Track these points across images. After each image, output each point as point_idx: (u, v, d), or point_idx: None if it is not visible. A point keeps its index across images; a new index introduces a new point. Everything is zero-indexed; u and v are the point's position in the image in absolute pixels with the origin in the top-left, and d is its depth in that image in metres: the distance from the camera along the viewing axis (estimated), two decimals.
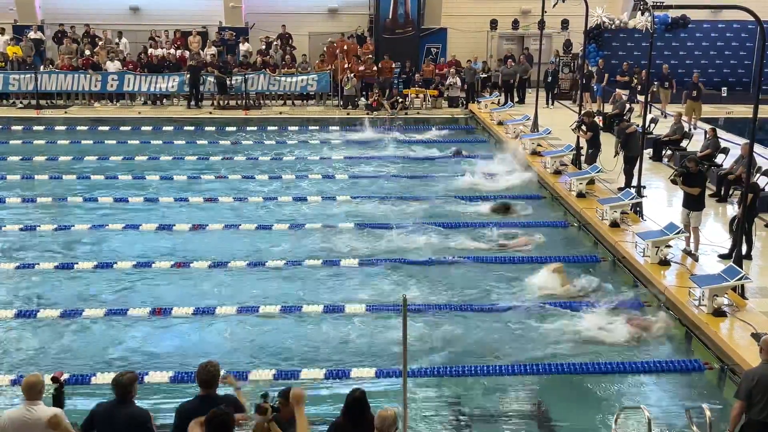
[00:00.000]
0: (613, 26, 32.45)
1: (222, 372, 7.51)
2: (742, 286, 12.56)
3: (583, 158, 20.66)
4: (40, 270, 14.50)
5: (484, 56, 33.65)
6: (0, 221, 17.20)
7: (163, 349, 11.73)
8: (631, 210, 16.77)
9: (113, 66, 30.00)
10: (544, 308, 12.97)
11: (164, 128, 26.96)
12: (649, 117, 19.98)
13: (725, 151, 20.14)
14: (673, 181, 15.30)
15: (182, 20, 32.82)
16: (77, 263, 14.76)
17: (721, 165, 19.50)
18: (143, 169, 21.68)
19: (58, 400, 7.44)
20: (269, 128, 27.16)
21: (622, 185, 18.33)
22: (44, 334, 12.07)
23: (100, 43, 31.12)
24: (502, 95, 30.68)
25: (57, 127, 27.01)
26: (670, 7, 16.89)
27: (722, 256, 14.39)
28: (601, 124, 23.01)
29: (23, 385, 7.17)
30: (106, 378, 9.94)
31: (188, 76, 29.41)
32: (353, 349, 11.79)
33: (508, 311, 12.92)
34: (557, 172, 20.25)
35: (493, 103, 29.58)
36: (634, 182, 17.30)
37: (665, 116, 26.05)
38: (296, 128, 27.32)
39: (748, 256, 14.14)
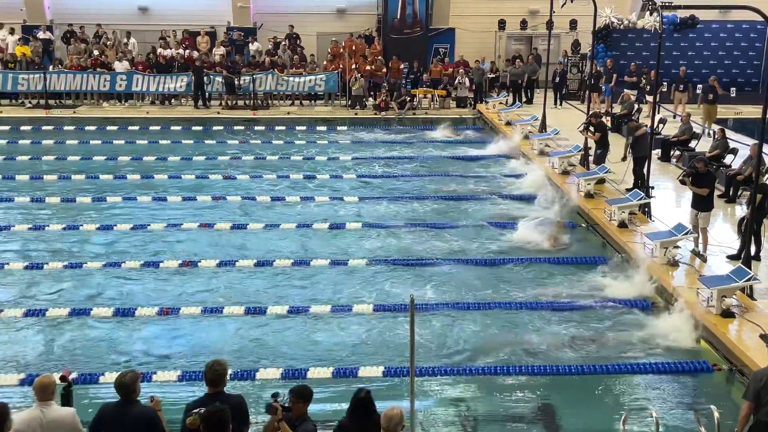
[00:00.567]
0: (622, 26, 32.38)
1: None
2: (751, 287, 12.52)
3: (591, 158, 20.62)
4: (49, 269, 14.55)
5: (492, 56, 33.61)
6: (9, 221, 17.26)
7: (171, 349, 11.76)
8: (639, 210, 16.73)
9: (122, 66, 30.08)
10: (555, 308, 13.03)
11: (172, 128, 27.03)
12: (657, 117, 19.93)
13: (734, 151, 20.07)
14: (682, 182, 15.24)
15: (190, 20, 32.87)
16: (86, 263, 14.80)
17: (730, 166, 19.44)
18: (151, 169, 21.72)
19: (66, 399, 7.45)
20: (277, 128, 27.18)
21: (631, 186, 18.29)
22: (52, 333, 12.11)
23: (108, 43, 31.16)
24: (510, 95, 30.65)
25: (66, 127, 27.08)
26: (678, 7, 16.89)
27: (731, 257, 14.33)
28: (609, 125, 22.96)
29: (35, 386, 7.14)
30: (114, 377, 9.95)
31: (192, 76, 29.47)
32: (361, 348, 11.80)
33: (521, 310, 12.96)
34: (565, 173, 20.21)
35: (501, 103, 29.56)
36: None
37: (675, 117, 25.94)
38: (304, 128, 27.34)
39: (757, 257, 14.11)
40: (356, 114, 29.29)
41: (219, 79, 29.75)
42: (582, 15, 28.71)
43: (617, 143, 20.34)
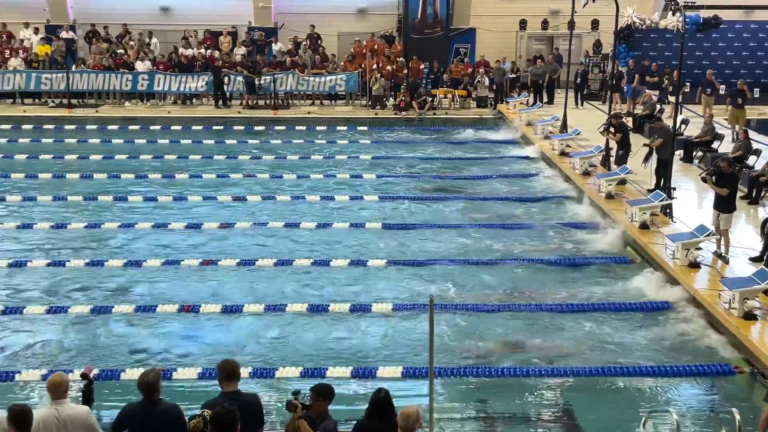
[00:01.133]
0: (644, 26, 32.14)
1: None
2: None
3: (612, 159, 20.50)
4: (71, 267, 14.67)
5: (513, 56, 33.50)
6: (32, 219, 17.41)
7: (191, 346, 11.83)
8: (661, 212, 16.62)
9: (143, 66, 30.25)
10: (575, 307, 12.99)
11: (193, 128, 27.15)
12: (680, 118, 19.81)
13: (757, 152, 19.89)
14: (703, 179, 15.13)
15: (212, 20, 32.98)
16: (107, 261, 14.91)
17: (753, 167, 19.27)
18: (173, 168, 21.83)
19: (87, 397, 7.46)
20: (297, 128, 27.24)
21: (653, 186, 18.18)
22: (74, 330, 12.21)
23: (131, 43, 31.34)
24: (531, 96, 30.53)
25: (88, 126, 27.28)
26: (701, 7, 16.75)
27: (753, 259, 14.21)
28: (630, 125, 22.80)
29: (48, 385, 7.13)
30: (135, 374, 10.00)
31: (211, 76, 29.61)
32: (380, 347, 11.81)
33: (541, 311, 12.93)
34: (586, 173, 20.11)
35: (521, 103, 29.45)
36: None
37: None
38: (324, 128, 27.38)
39: None
40: (376, 114, 29.29)
41: (240, 78, 29.85)
42: (604, 15, 28.50)
43: (638, 144, 20.18)
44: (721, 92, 27.00)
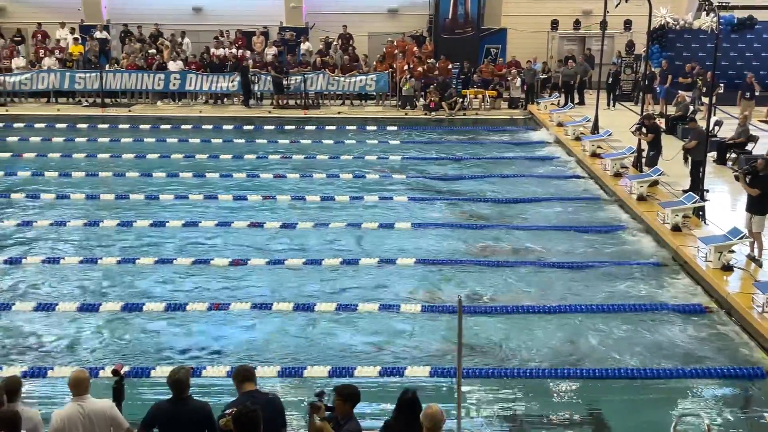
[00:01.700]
0: (678, 27, 31.85)
1: None
2: None
3: (644, 160, 20.32)
4: (103, 265, 14.83)
5: (545, 57, 33.33)
6: (65, 217, 17.60)
7: (220, 344, 11.89)
8: (693, 214, 16.45)
9: (175, 65, 30.50)
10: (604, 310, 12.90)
11: (224, 127, 27.33)
12: (713, 119, 19.59)
13: None
14: (736, 177, 14.95)
15: (243, 20, 33.20)
16: (138, 259, 15.05)
17: None
18: (204, 168, 21.98)
19: (118, 393, 7.54)
20: (327, 128, 27.31)
21: (686, 188, 17.99)
22: (105, 327, 12.33)
23: (166, 43, 31.58)
24: (562, 96, 30.36)
25: (121, 126, 27.57)
26: (736, 7, 16.55)
27: None
28: (663, 127, 22.60)
29: (71, 382, 7.20)
30: (165, 372, 10.08)
31: (239, 76, 29.76)
32: (408, 347, 11.80)
33: (572, 312, 12.87)
34: (617, 175, 19.95)
35: (552, 104, 29.31)
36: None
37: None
38: (354, 128, 27.42)
39: None
40: (406, 114, 29.29)
41: (268, 78, 29.98)
42: (637, 15, 28.31)
43: (671, 146, 20.02)
44: (757, 93, 26.64)
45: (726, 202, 18.22)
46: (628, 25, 32.87)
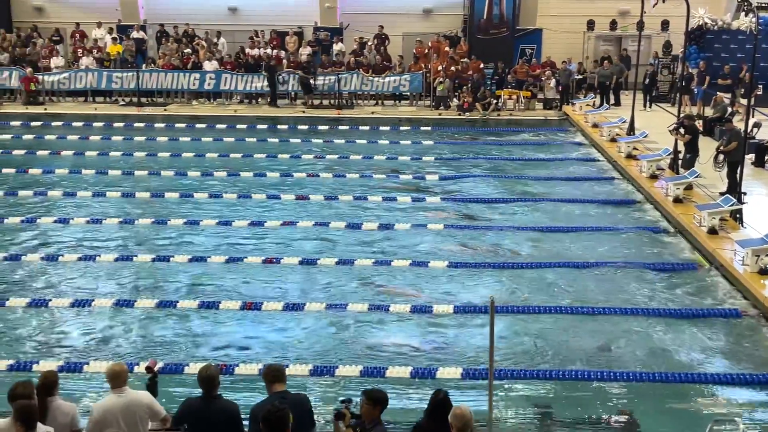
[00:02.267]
0: (716, 27, 31.44)
1: None
2: None
3: (680, 162, 20.08)
4: (138, 262, 14.98)
5: (580, 57, 33.05)
6: (101, 214, 17.80)
7: (253, 343, 11.97)
8: (730, 216, 16.22)
9: (211, 65, 30.72)
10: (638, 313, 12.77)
11: (258, 127, 27.46)
12: (752, 121, 19.31)
13: None
14: None
15: (278, 20, 33.32)
16: (172, 256, 15.17)
17: None
18: (238, 167, 22.09)
19: (151, 390, 7.62)
20: (361, 128, 27.33)
21: (723, 190, 17.76)
22: (140, 324, 12.44)
23: (202, 43, 31.79)
24: (598, 97, 30.10)
25: (156, 125, 27.80)
26: None
27: None
28: (701, 128, 22.33)
29: (109, 374, 7.30)
30: (197, 369, 10.15)
31: (266, 75, 29.88)
32: (440, 348, 11.78)
33: (603, 314, 12.75)
34: (653, 177, 19.74)
35: (588, 105, 29.04)
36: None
37: None
38: (388, 128, 27.40)
39: None
40: (440, 114, 29.23)
41: (296, 78, 30.10)
42: (674, 15, 27.95)
43: (708, 147, 19.75)
44: None
45: (764, 205, 17.95)
46: (665, 25, 32.48)
